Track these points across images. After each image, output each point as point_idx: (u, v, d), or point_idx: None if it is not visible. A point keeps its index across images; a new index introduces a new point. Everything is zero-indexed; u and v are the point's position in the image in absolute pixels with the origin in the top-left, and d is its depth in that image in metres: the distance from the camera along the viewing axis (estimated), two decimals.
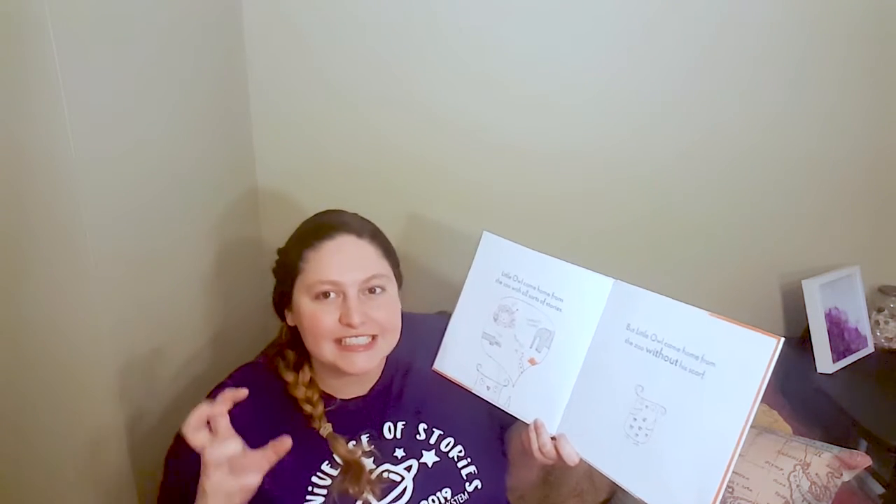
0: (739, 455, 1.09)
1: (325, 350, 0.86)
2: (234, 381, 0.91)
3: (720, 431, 0.73)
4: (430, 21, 1.37)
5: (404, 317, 0.97)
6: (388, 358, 0.96)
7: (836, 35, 1.44)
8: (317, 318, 0.85)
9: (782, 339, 0.72)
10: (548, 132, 1.46)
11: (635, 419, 0.79)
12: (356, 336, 0.86)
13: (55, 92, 0.76)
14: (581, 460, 0.83)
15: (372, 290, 0.88)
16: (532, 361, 0.90)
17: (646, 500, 0.77)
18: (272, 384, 0.92)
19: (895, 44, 1.45)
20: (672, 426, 0.77)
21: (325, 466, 0.86)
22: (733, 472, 1.07)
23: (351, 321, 0.84)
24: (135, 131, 0.93)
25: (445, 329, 0.99)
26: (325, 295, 0.86)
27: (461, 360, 0.96)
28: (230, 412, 0.76)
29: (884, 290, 1.61)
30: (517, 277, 0.93)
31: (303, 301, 0.87)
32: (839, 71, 1.46)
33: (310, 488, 0.84)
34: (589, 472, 1.25)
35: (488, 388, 0.93)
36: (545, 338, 0.89)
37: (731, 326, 0.76)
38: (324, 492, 0.83)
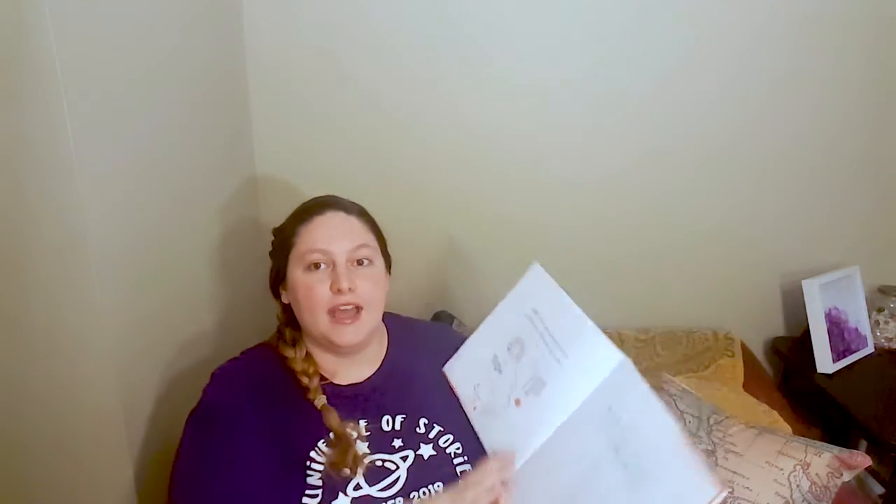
0: (739, 455, 1.10)
1: (318, 321, 0.90)
2: (243, 358, 0.95)
3: None
4: (428, 17, 1.37)
5: (408, 322, 0.98)
6: (386, 355, 0.99)
7: (835, 34, 1.44)
8: (309, 289, 0.89)
9: (725, 492, 0.65)
10: (546, 136, 1.47)
11: None
12: (345, 305, 0.89)
13: (55, 92, 0.76)
14: None
15: (360, 262, 0.92)
16: (518, 402, 0.88)
17: None
18: (278, 363, 0.94)
19: (894, 43, 1.45)
20: None
21: (322, 444, 0.87)
22: (734, 472, 1.08)
23: (341, 286, 0.88)
24: (134, 129, 0.93)
25: (448, 335, 1.01)
26: (317, 266, 0.90)
27: (466, 373, 0.98)
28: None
29: (884, 290, 1.61)
30: (541, 317, 0.90)
31: (296, 273, 0.91)
32: (839, 72, 1.47)
33: (308, 463, 0.85)
34: None
35: (475, 408, 0.94)
36: (537, 386, 0.87)
37: (689, 460, 0.67)
38: (321, 468, 0.85)
